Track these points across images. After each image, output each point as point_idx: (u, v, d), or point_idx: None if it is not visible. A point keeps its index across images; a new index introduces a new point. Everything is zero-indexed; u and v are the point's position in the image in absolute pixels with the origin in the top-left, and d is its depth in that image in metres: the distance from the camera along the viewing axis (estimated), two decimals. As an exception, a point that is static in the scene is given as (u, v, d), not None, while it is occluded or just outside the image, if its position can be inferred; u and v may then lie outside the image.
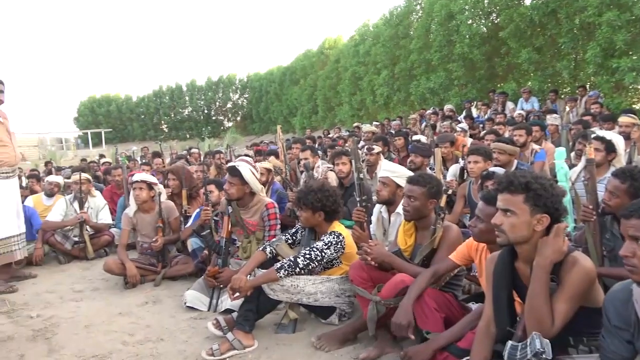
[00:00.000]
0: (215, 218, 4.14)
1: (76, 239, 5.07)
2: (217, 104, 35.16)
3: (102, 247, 5.23)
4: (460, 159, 5.28)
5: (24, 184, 7.75)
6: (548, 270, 1.74)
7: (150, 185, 4.28)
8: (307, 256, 2.80)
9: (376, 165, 5.25)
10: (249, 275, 2.89)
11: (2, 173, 4.01)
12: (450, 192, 3.72)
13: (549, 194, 1.75)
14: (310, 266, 2.80)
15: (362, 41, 19.47)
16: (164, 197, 4.45)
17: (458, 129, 7.66)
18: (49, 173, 8.94)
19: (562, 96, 10.96)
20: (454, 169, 4.78)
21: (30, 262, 4.83)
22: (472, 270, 2.89)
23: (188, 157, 9.77)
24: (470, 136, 7.60)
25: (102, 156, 12.72)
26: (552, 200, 1.76)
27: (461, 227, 3.77)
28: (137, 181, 4.22)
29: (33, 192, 6.66)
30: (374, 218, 3.45)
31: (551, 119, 7.16)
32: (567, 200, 3.02)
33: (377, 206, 3.47)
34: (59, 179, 5.80)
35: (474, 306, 2.50)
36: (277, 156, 6.34)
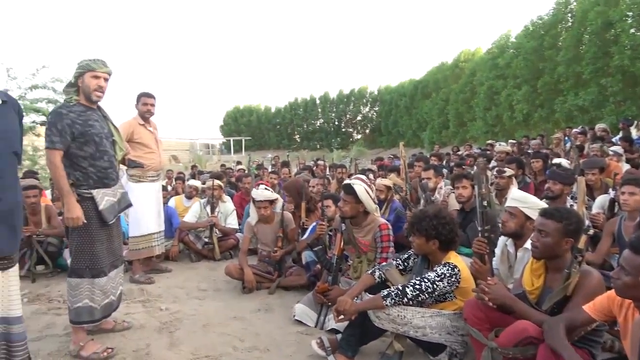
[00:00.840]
0: (330, 233, 4.16)
1: (206, 240, 5.52)
2: (348, 116, 36.06)
3: (228, 249, 5.61)
4: (610, 189, 4.56)
5: (171, 186, 8.75)
6: None
7: (271, 201, 4.46)
8: (417, 286, 2.62)
9: (507, 189, 4.81)
10: (355, 299, 2.81)
11: (149, 177, 4.53)
12: (591, 232, 3.19)
13: None
14: (419, 297, 2.62)
15: (500, 53, 18.30)
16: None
17: (610, 152, 6.67)
18: (193, 176, 9.96)
19: None
20: (602, 200, 4.14)
21: (167, 257, 5.39)
22: (617, 324, 2.42)
23: (314, 168, 10.09)
24: (627, 161, 6.57)
25: (238, 163, 13.80)
26: None
27: (608, 269, 3.24)
28: (260, 201, 4.40)
29: (178, 193, 7.47)
30: (497, 251, 3.12)
31: None
32: None
33: (502, 238, 3.13)
34: (197, 183, 6.41)
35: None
36: (398, 173, 6.18)
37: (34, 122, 10.63)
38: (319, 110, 36.79)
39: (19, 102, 9.83)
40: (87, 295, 2.97)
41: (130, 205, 3.31)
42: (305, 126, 37.63)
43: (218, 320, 3.57)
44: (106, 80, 3.07)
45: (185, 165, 21.17)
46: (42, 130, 10.94)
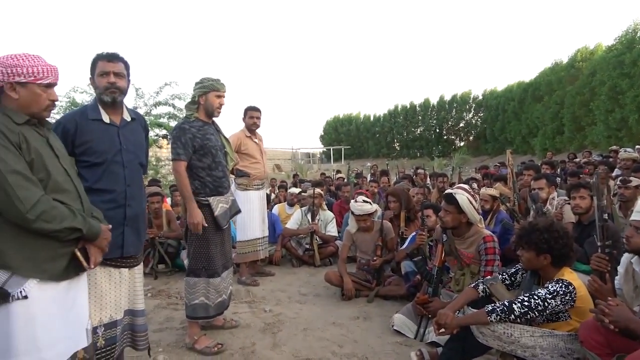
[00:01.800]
0: (430, 244, 4.06)
1: (307, 246, 5.70)
2: (450, 123, 34.82)
3: (328, 256, 5.73)
4: None
5: (274, 194, 9.17)
6: None
7: (370, 214, 4.48)
8: (526, 304, 2.45)
9: (633, 201, 4.30)
10: (457, 312, 2.71)
11: (254, 185, 4.82)
12: None
13: None
14: (528, 315, 2.45)
15: (627, 50, 16.43)
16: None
17: None
18: (295, 185, 10.33)
19: None
20: None
21: (271, 261, 5.67)
22: None
23: (414, 177, 9.91)
24: None
25: (338, 172, 14.02)
26: None
27: None
28: (360, 215, 4.44)
29: (281, 201, 7.82)
30: (621, 269, 2.81)
31: None
32: None
33: (627, 255, 2.81)
34: (296, 191, 6.66)
35: None
36: (505, 182, 5.84)
37: (157, 135, 11.81)
38: (419, 117, 36.06)
39: (145, 117, 11.05)
40: (203, 294, 3.24)
41: (239, 211, 3.56)
42: (405, 134, 37.07)
43: (318, 324, 3.66)
44: (224, 98, 3.37)
45: (288, 174, 22.03)
46: (164, 142, 12.14)
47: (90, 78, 2.50)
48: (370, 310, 3.99)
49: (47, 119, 2.02)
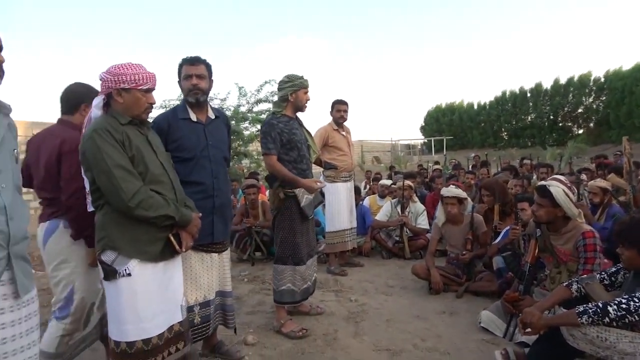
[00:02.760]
0: (524, 239, 3.82)
1: (397, 238, 5.67)
2: (566, 108, 31.78)
3: (418, 249, 5.65)
4: None
5: (369, 186, 9.21)
6: None
7: (460, 200, 4.34)
8: (624, 306, 2.23)
9: None
10: (546, 312, 2.55)
11: (342, 177, 4.92)
12: None
13: None
14: (626, 319, 2.22)
15: None
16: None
17: None
18: (390, 177, 10.27)
19: None
20: None
21: (360, 252, 5.74)
22: None
23: (519, 168, 9.28)
24: None
25: (436, 163, 13.61)
26: None
27: None
28: (448, 197, 4.34)
29: (374, 193, 7.84)
30: None
31: None
32: None
33: None
34: (387, 182, 6.63)
35: None
36: (621, 173, 5.26)
37: (258, 130, 12.46)
38: (530, 104, 33.37)
39: (248, 114, 11.61)
40: (290, 280, 3.42)
41: (322, 201, 3.69)
42: (513, 122, 34.55)
43: (401, 317, 3.66)
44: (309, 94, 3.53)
45: (386, 166, 21.88)
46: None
47: (178, 81, 2.77)
48: (457, 305, 3.89)
49: (146, 119, 2.30)
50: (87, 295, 2.47)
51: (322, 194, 5.49)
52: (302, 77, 3.49)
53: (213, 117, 2.83)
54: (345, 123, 5.07)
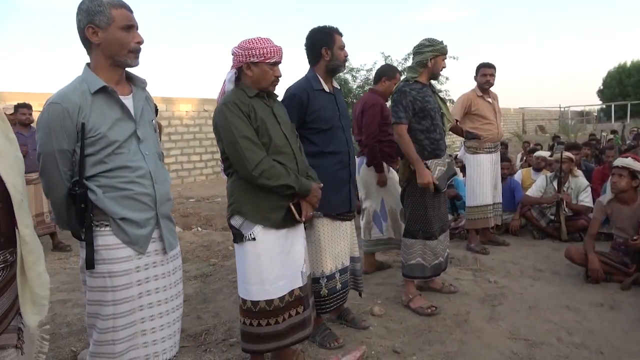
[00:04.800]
0: None
1: (552, 217, 5.05)
2: None
3: (578, 230, 4.93)
4: None
5: (524, 158, 8.36)
6: None
7: (633, 174, 3.64)
8: None
9: None
10: None
11: (486, 148, 4.51)
12: None
13: None
14: None
15: None
16: None
17: None
18: (551, 148, 9.15)
19: None
20: None
21: (507, 230, 5.25)
22: None
23: None
24: None
25: (613, 132, 11.70)
26: None
27: None
28: (617, 167, 3.69)
29: (530, 165, 7.08)
30: None
31: None
32: None
33: None
34: (545, 154, 5.88)
35: None
36: None
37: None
38: None
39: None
40: (420, 254, 3.31)
41: (455, 174, 3.46)
42: None
43: (547, 305, 3.27)
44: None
45: (552, 136, 19.62)
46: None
47: (324, 48, 2.71)
48: (620, 298, 3.32)
49: (272, 91, 2.37)
50: (393, 205, 3.85)
51: (463, 166, 5.16)
52: (441, 42, 3.29)
53: (337, 86, 2.85)
54: (492, 89, 4.63)
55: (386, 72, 4.04)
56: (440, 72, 3.36)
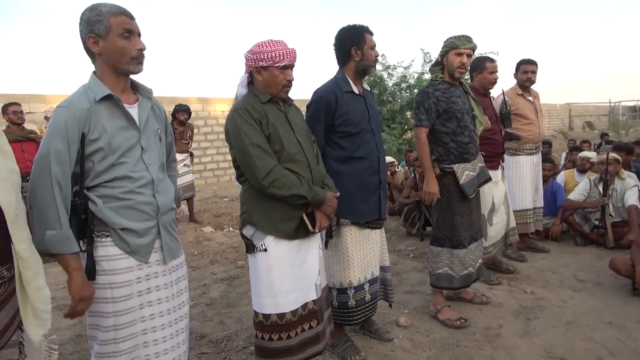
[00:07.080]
0: None
1: (597, 222, 4.71)
2: None
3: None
4: None
5: (567, 158, 7.92)
6: None
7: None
8: None
9: None
10: None
11: (526, 149, 4.26)
12: None
13: None
14: None
15: None
16: None
17: None
18: (599, 146, 8.61)
19: None
20: None
21: (547, 236, 4.95)
22: None
23: None
24: None
25: (670, 128, 10.87)
26: None
27: None
28: None
29: (573, 166, 6.67)
30: None
31: None
32: None
33: None
34: (591, 154, 5.49)
35: None
36: None
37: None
38: None
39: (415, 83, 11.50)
40: (447, 264, 3.14)
41: (489, 179, 3.25)
42: None
43: (588, 320, 3.03)
44: (469, 56, 3.08)
45: (600, 133, 18.60)
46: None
47: (354, 48, 2.58)
48: (672, 316, 3.03)
49: (285, 97, 2.28)
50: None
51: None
52: (456, 37, 3.07)
53: (367, 88, 2.75)
54: (533, 86, 4.36)
55: (474, 67, 3.78)
56: (458, 69, 3.04)
